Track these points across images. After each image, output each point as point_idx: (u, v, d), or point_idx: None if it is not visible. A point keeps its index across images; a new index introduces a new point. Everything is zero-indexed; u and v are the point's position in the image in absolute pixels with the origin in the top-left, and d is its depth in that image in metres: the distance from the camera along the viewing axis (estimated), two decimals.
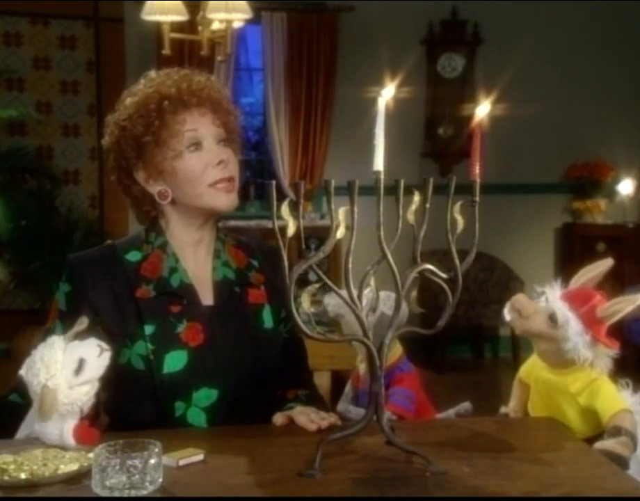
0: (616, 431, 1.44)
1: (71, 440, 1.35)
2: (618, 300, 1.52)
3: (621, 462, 1.38)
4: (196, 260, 1.68)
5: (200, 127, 1.62)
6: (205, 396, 1.59)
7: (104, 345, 1.42)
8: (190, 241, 1.68)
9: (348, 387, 1.89)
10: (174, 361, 1.58)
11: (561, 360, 1.54)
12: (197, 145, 1.62)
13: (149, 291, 1.61)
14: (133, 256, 1.65)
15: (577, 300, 1.53)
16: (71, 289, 1.63)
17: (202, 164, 1.61)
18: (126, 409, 1.57)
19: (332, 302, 1.82)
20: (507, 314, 1.56)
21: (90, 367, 1.39)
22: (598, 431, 1.52)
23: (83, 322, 1.43)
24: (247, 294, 1.69)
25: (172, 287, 1.63)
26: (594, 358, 1.51)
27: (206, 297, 1.66)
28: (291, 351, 1.74)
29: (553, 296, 1.54)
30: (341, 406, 1.80)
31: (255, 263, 1.73)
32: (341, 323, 1.93)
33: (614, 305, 1.51)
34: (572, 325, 1.50)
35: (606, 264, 1.59)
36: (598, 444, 1.44)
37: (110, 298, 1.60)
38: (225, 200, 1.63)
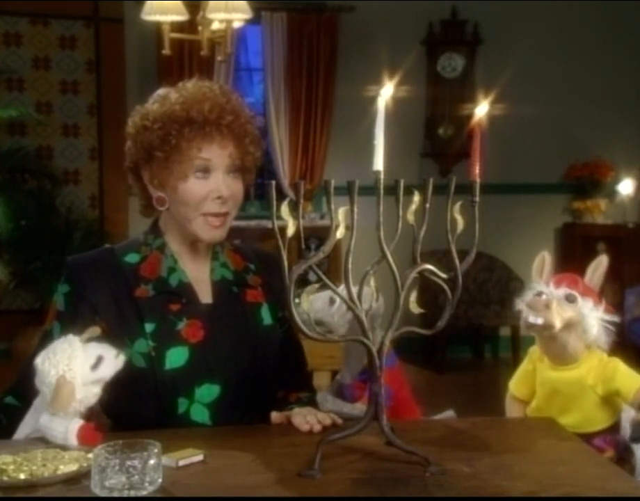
0: None
1: (74, 441, 1.35)
2: (592, 268, 1.61)
3: None
4: (194, 262, 1.69)
5: (214, 158, 1.61)
6: (207, 392, 1.60)
7: (120, 350, 1.45)
8: (187, 249, 1.69)
9: (337, 377, 1.87)
10: (176, 357, 1.58)
11: (575, 352, 1.57)
12: (205, 172, 1.61)
13: (148, 290, 1.62)
14: (131, 258, 1.66)
15: (570, 282, 1.58)
16: (70, 289, 1.64)
17: (203, 193, 1.60)
18: (129, 409, 1.57)
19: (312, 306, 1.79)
20: (537, 319, 1.54)
21: (105, 366, 1.42)
22: (615, 418, 1.56)
23: (95, 331, 1.46)
24: (245, 294, 1.70)
25: (171, 287, 1.64)
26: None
27: (205, 296, 1.67)
28: (291, 353, 1.75)
29: (549, 289, 1.57)
30: (320, 396, 1.78)
31: (252, 266, 1.75)
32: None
33: (593, 272, 1.60)
34: (582, 303, 1.55)
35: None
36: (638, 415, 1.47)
37: (109, 299, 1.61)
38: (212, 234, 1.63)
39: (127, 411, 1.57)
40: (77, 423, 1.37)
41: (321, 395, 1.78)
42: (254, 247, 1.84)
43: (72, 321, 1.54)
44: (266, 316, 1.70)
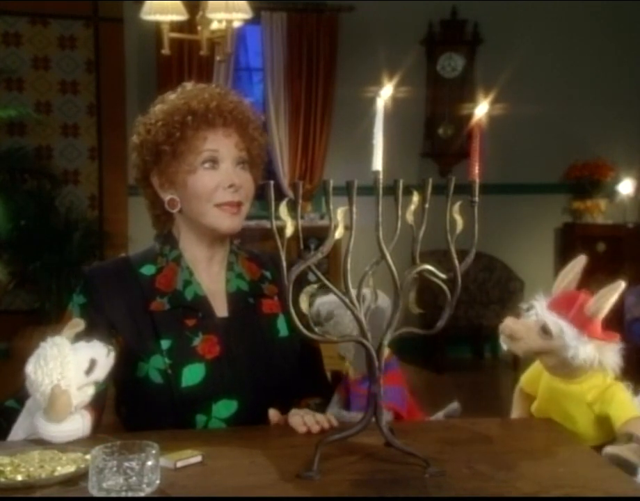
0: (628, 438, 1.43)
1: (89, 431, 1.40)
2: (601, 293, 1.50)
3: (629, 468, 1.36)
4: (210, 273, 1.69)
5: (220, 148, 1.63)
6: (225, 407, 1.60)
7: (109, 346, 1.45)
8: (203, 257, 1.69)
9: (335, 397, 1.86)
10: (192, 374, 1.58)
11: (572, 370, 1.52)
12: (213, 163, 1.62)
13: (163, 304, 1.62)
14: (147, 270, 1.66)
15: (563, 306, 1.51)
16: (86, 301, 1.63)
17: (213, 183, 1.61)
18: (147, 423, 1.54)
19: (325, 299, 1.79)
20: (503, 344, 1.54)
21: (99, 367, 1.42)
22: (609, 438, 1.50)
23: (79, 324, 1.45)
24: (261, 305, 1.70)
25: (187, 300, 1.63)
26: (600, 358, 1.49)
27: (221, 309, 1.66)
28: (308, 361, 1.74)
29: (541, 309, 1.53)
30: (334, 411, 1.78)
31: (268, 274, 1.74)
32: (328, 323, 1.88)
33: (599, 298, 1.50)
34: (567, 332, 1.49)
35: (580, 262, 1.58)
36: (608, 449, 1.42)
37: (125, 312, 1.61)
38: (229, 222, 1.63)
39: (146, 425, 1.53)
40: (89, 415, 1.40)
41: (336, 411, 1.77)
42: (271, 253, 1.82)
43: (88, 334, 1.51)
44: (282, 328, 1.70)
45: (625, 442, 1.43)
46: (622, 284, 1.50)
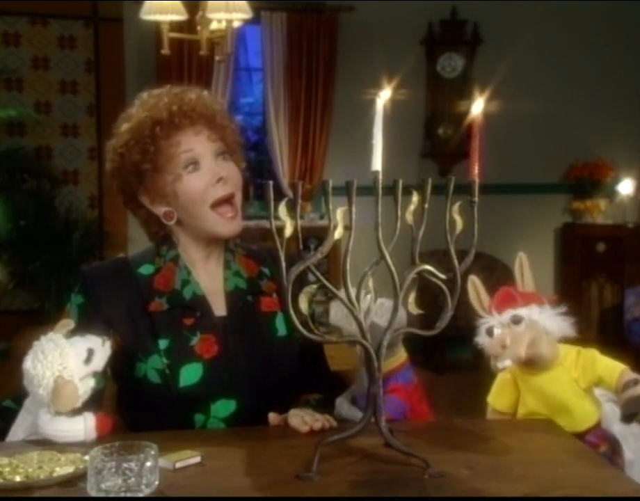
0: (634, 381, 1.48)
1: (94, 435, 1.37)
2: (517, 269, 1.62)
3: None
4: (207, 272, 1.69)
5: (195, 146, 1.62)
6: (223, 407, 1.60)
7: (104, 336, 1.46)
8: (200, 256, 1.69)
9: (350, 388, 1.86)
10: (190, 374, 1.58)
11: (554, 351, 1.57)
12: (194, 164, 1.62)
13: (162, 304, 1.62)
14: (145, 269, 1.66)
15: (507, 301, 1.59)
16: (84, 301, 1.63)
17: (202, 184, 1.61)
18: (146, 423, 1.54)
19: (336, 310, 1.78)
20: (504, 362, 1.56)
21: (97, 357, 1.43)
22: (601, 412, 1.56)
23: (69, 323, 1.46)
24: (259, 303, 1.70)
25: (185, 300, 1.63)
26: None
27: (219, 308, 1.66)
28: (307, 357, 1.73)
29: (495, 318, 1.59)
30: (338, 400, 1.77)
31: (266, 271, 1.74)
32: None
33: (519, 275, 1.61)
34: (531, 310, 1.56)
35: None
36: (631, 391, 1.47)
37: (124, 312, 1.61)
38: (229, 227, 1.64)
39: (145, 425, 1.53)
40: (92, 418, 1.38)
41: (339, 400, 1.76)
42: (270, 248, 1.81)
43: (86, 333, 1.52)
44: (281, 327, 1.69)
45: (635, 385, 1.47)
46: (522, 254, 1.61)
